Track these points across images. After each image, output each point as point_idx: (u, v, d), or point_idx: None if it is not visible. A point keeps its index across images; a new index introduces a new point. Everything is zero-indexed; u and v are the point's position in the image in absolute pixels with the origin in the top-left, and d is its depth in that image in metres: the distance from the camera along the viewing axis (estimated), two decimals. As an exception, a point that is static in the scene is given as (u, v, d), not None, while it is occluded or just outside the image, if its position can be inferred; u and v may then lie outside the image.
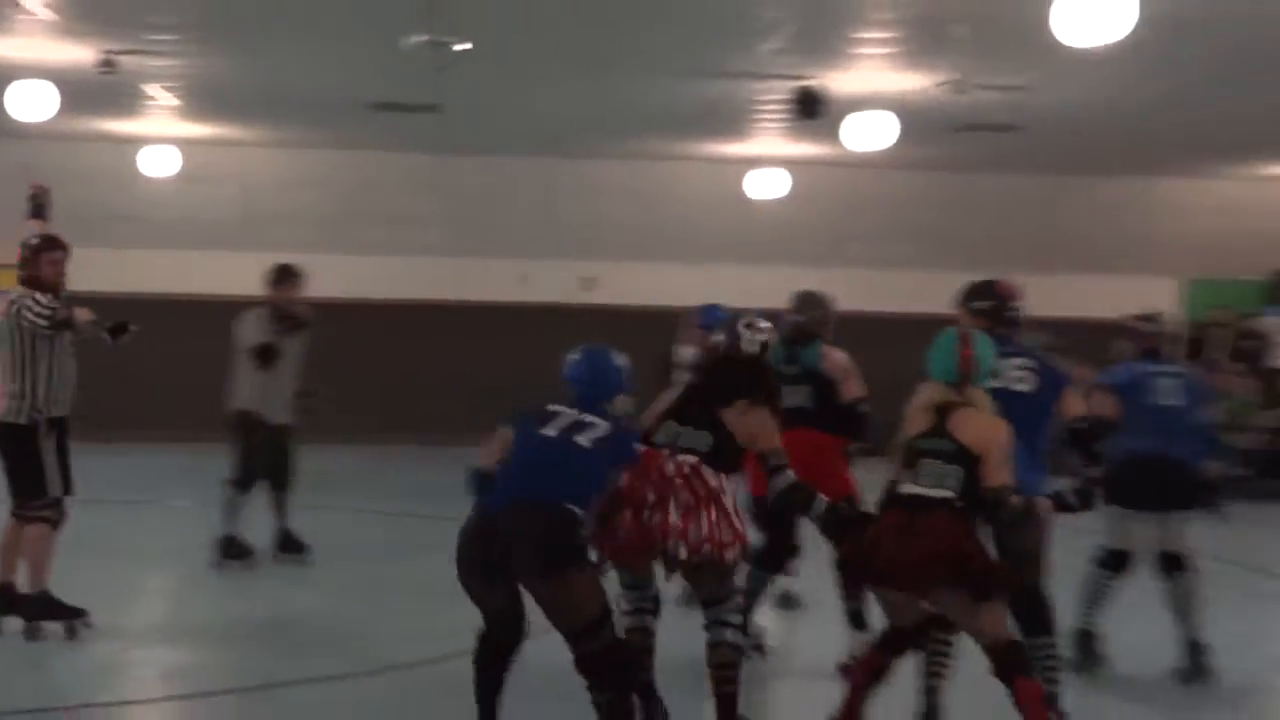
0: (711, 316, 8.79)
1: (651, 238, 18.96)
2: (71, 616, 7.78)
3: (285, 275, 10.32)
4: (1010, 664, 5.40)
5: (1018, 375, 6.30)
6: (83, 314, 7.88)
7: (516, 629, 5.55)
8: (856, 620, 7.41)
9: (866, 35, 11.25)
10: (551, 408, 5.71)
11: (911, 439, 5.71)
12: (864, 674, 5.77)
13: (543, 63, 12.53)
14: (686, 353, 10.02)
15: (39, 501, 7.76)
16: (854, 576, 6.24)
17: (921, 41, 11.20)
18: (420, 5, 9.62)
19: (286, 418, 10.17)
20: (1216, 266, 20.12)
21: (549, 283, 18.92)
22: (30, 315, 7.63)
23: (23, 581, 7.79)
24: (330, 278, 17.39)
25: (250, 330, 10.07)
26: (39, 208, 10.13)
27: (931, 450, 5.59)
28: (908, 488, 5.61)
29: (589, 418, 5.62)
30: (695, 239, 18.87)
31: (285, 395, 10.15)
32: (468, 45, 9.83)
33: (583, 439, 5.55)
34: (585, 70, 12.82)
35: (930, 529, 5.45)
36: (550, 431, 5.59)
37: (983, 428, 5.63)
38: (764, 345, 6.36)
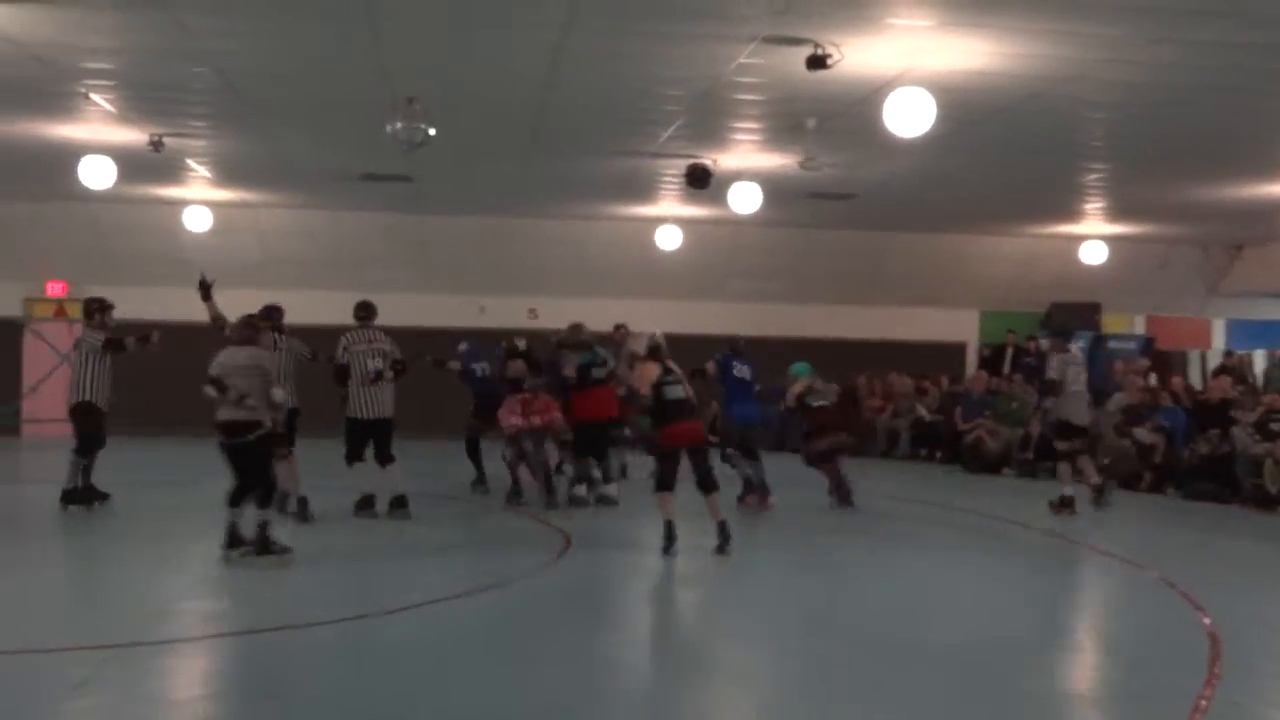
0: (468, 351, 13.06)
1: (582, 277, 19.13)
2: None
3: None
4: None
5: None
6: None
7: None
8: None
9: (741, 125, 11.42)
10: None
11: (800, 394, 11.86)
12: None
13: (492, 145, 12.62)
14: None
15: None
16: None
17: (781, 132, 11.41)
18: (397, 101, 9.68)
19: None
20: (1005, 301, 20.68)
21: (502, 312, 18.99)
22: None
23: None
24: (326, 308, 17.40)
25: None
26: (206, 290, 10.44)
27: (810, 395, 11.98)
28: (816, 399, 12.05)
29: None
30: (615, 278, 19.07)
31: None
32: (432, 132, 9.85)
33: None
34: (526, 151, 12.89)
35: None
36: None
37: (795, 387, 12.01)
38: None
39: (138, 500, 11.47)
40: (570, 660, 6.19)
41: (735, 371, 11.57)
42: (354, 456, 10.70)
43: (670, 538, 9.02)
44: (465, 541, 10.14)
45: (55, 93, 10.20)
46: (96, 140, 11.86)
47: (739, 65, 8.93)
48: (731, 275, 19.48)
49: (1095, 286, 19.81)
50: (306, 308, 19.11)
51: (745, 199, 12.95)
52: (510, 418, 11.51)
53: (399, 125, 9.80)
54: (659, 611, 8.19)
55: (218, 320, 9.90)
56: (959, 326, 21.19)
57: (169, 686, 5.93)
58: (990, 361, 19.95)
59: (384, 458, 10.68)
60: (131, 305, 17.91)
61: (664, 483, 9.16)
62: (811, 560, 9.50)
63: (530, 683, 5.80)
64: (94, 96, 10.30)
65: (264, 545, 8.38)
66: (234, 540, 8.52)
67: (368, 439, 10.64)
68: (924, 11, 7.67)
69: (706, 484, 9.20)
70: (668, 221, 17.37)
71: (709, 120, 11.10)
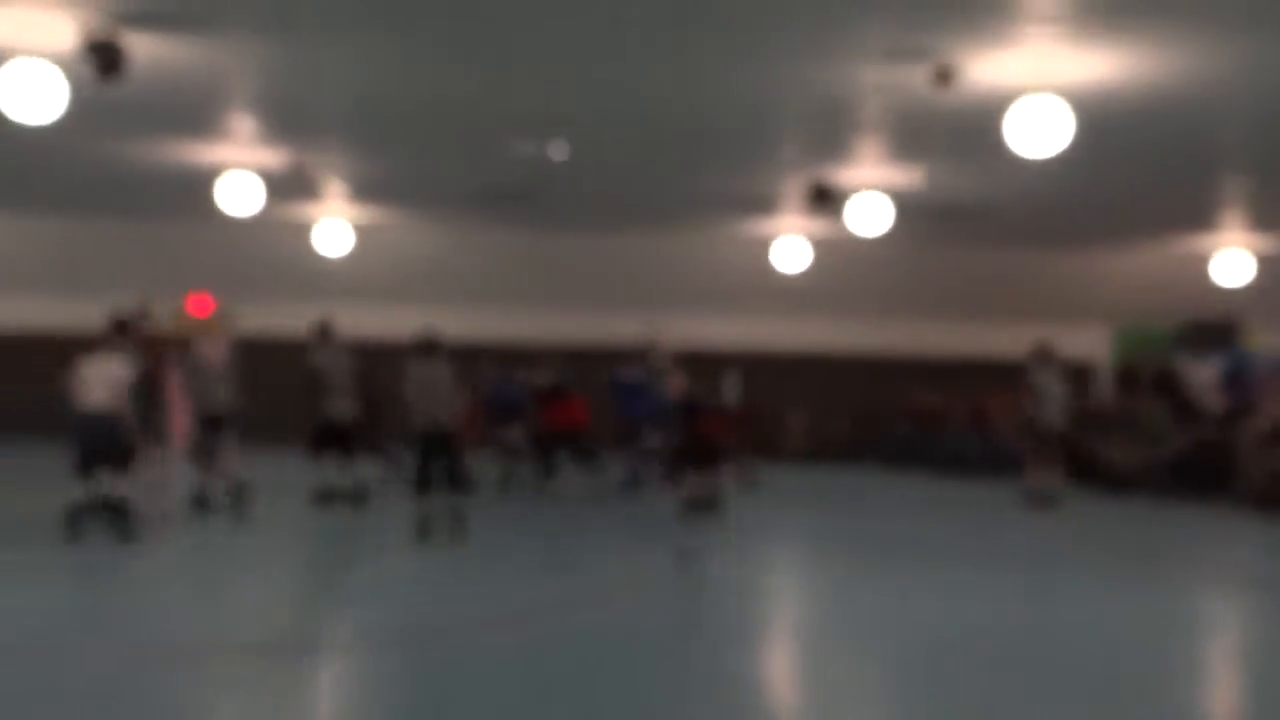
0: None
1: (702, 293, 19.20)
2: None
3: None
4: None
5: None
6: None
7: None
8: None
9: (863, 141, 11.30)
10: None
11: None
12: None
13: (615, 166, 12.77)
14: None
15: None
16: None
17: (906, 148, 11.30)
18: (528, 122, 9.89)
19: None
20: (1139, 317, 20.07)
21: (621, 327, 19.21)
22: None
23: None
24: (456, 321, 17.73)
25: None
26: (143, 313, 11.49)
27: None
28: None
29: None
30: (735, 294, 19.11)
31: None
32: (564, 154, 10.01)
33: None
34: (647, 172, 13.00)
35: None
36: None
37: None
38: None
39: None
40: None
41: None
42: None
43: None
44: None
45: (200, 117, 10.66)
46: (240, 161, 12.32)
47: (862, 81, 8.89)
48: (855, 292, 19.31)
49: (1236, 302, 19.09)
50: (432, 322, 19.55)
51: (874, 218, 12.66)
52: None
53: (529, 146, 10.00)
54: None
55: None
56: (1090, 343, 20.65)
57: (324, 690, 6.11)
58: (1125, 380, 19.35)
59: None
60: (270, 320, 18.64)
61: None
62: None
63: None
64: (237, 120, 10.73)
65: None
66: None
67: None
68: (1052, 23, 7.54)
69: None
70: (788, 237, 17.31)
71: (832, 136, 11.06)
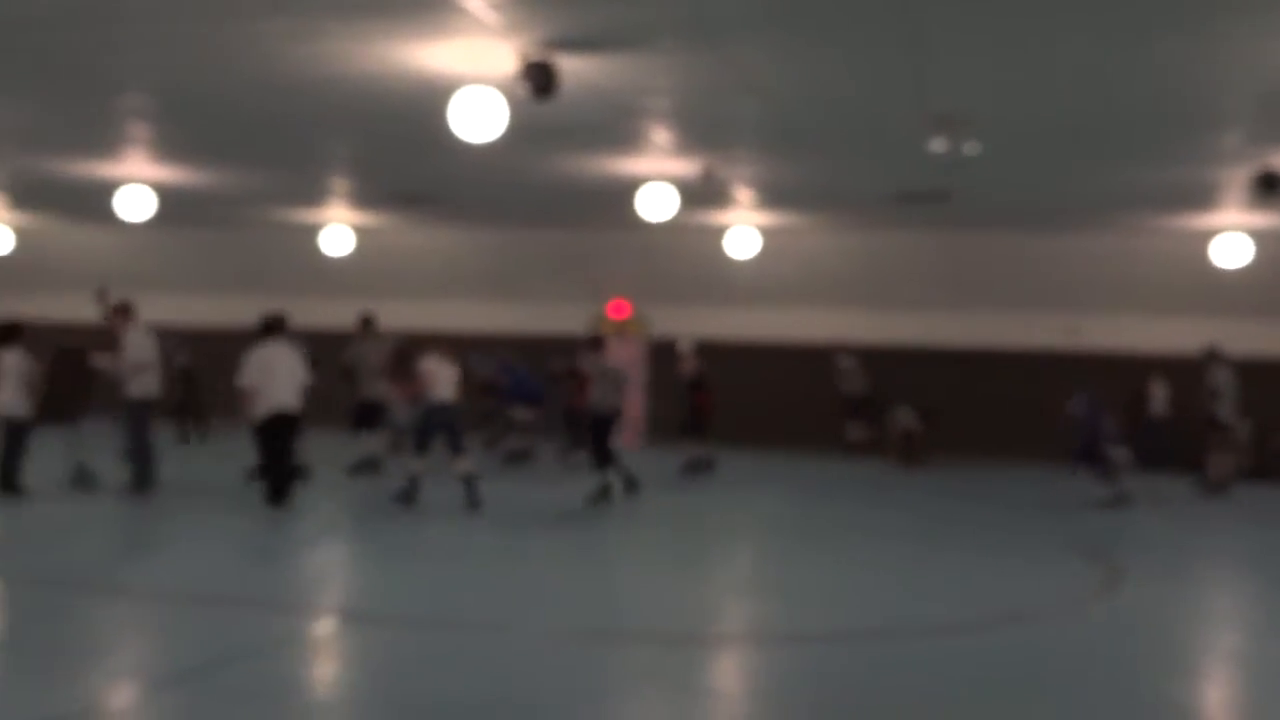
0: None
1: (1126, 293, 18.00)
2: None
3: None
4: None
5: None
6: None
7: None
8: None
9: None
10: None
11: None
12: None
13: (1034, 161, 12.18)
14: None
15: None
16: None
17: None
18: (940, 120, 9.63)
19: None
20: None
21: (1040, 331, 18.42)
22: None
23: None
24: (866, 326, 17.64)
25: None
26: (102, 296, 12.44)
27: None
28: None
29: None
30: (1164, 294, 17.76)
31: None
32: (977, 151, 9.67)
33: None
34: (1067, 165, 12.32)
35: None
36: None
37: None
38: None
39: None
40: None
41: None
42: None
43: None
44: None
45: (620, 130, 11.21)
46: (654, 172, 12.81)
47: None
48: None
49: None
50: (839, 325, 19.58)
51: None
52: None
53: (942, 143, 9.77)
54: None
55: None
56: None
57: (718, 683, 6.27)
58: None
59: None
60: (678, 324, 19.35)
61: None
62: None
63: None
64: (655, 132, 11.19)
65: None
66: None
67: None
68: None
69: None
70: (1229, 232, 15.83)
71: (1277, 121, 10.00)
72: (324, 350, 14.18)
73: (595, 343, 13.47)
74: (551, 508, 12.01)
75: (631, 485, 12.88)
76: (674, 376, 16.23)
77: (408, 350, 13.70)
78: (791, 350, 19.61)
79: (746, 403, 18.81)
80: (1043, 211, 15.61)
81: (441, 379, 11.79)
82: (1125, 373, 17.86)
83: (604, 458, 12.55)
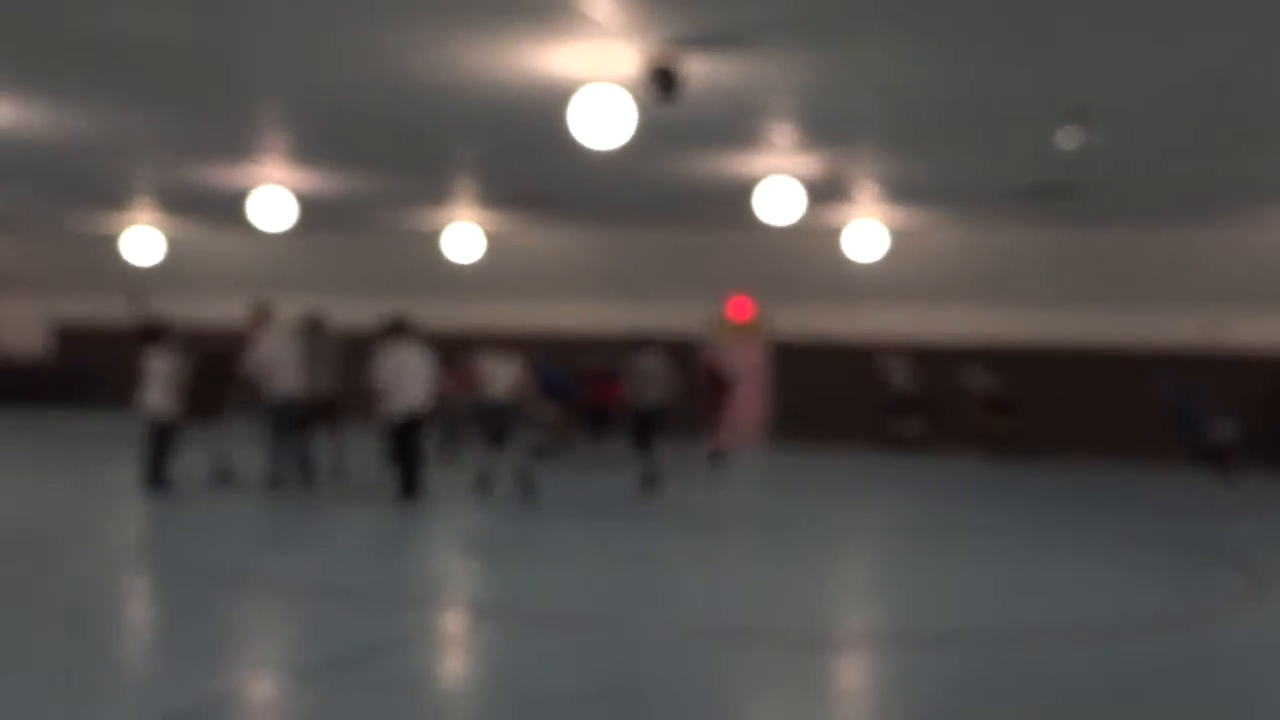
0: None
1: (1272, 286, 17.32)
2: None
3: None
4: None
5: None
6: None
7: None
8: None
9: None
10: None
11: None
12: None
13: (1163, 153, 11.77)
14: None
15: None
16: None
17: None
18: (1067, 112, 9.39)
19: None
20: None
21: (1177, 328, 17.85)
22: None
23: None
24: (986, 320, 17.27)
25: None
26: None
27: None
28: None
29: None
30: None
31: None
32: (1077, 142, 9.38)
33: None
34: (1194, 157, 11.87)
35: None
36: None
37: None
38: None
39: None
40: None
41: None
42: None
43: None
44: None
45: (745, 130, 11.18)
46: (779, 169, 12.75)
47: None
48: None
49: None
50: (963, 322, 19.26)
51: None
52: None
53: (1068, 136, 9.54)
54: None
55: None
56: None
57: (848, 687, 6.23)
58: None
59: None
60: (801, 321, 19.23)
61: None
62: None
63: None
64: (778, 132, 11.14)
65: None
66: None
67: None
68: None
69: None
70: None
71: None
72: (446, 352, 14.50)
73: (641, 344, 14.09)
74: (671, 508, 12.07)
75: (650, 482, 13.20)
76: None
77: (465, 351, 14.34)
78: (916, 350, 19.34)
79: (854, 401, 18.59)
80: (1170, 205, 15.07)
81: (497, 378, 12.29)
82: (1272, 371, 17.21)
83: (645, 448, 13.18)
